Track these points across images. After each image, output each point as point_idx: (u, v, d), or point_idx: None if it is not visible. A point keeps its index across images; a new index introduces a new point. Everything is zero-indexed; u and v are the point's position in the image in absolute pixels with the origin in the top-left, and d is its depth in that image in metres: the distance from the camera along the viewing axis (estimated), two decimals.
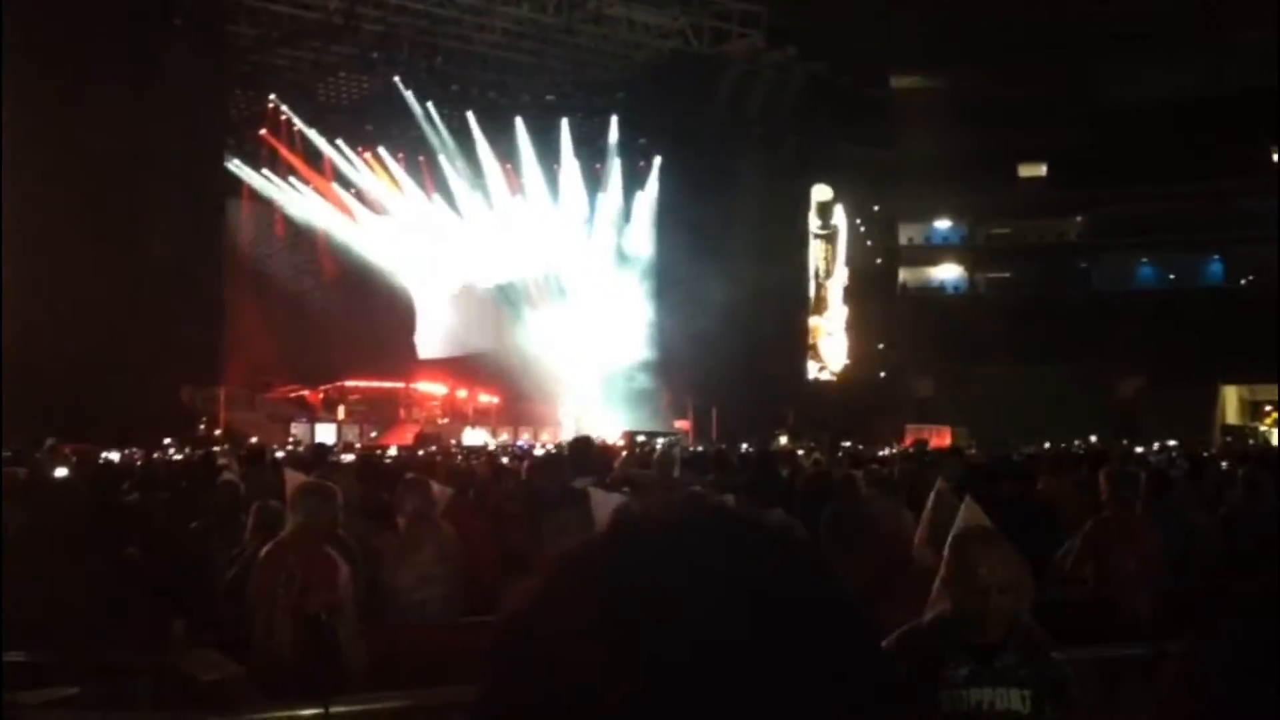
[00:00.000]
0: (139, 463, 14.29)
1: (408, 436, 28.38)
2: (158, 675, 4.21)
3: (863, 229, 40.03)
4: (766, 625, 0.76)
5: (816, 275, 38.99)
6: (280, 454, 15.03)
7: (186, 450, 17.90)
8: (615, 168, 37.26)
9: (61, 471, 10.00)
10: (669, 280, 33.48)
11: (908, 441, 25.27)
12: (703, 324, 29.97)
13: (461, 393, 34.67)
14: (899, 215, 42.14)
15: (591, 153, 37.30)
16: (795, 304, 37.09)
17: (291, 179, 34.77)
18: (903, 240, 43.47)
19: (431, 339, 36.56)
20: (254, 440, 23.62)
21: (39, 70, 25.66)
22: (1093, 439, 25.68)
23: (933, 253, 45.86)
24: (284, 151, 34.39)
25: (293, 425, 29.28)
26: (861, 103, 36.57)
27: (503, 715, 0.78)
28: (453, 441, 26.30)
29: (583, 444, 9.42)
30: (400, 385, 33.68)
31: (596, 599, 0.78)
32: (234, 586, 5.46)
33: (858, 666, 0.78)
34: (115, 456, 15.52)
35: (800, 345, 37.86)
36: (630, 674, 0.74)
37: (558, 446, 19.41)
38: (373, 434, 29.49)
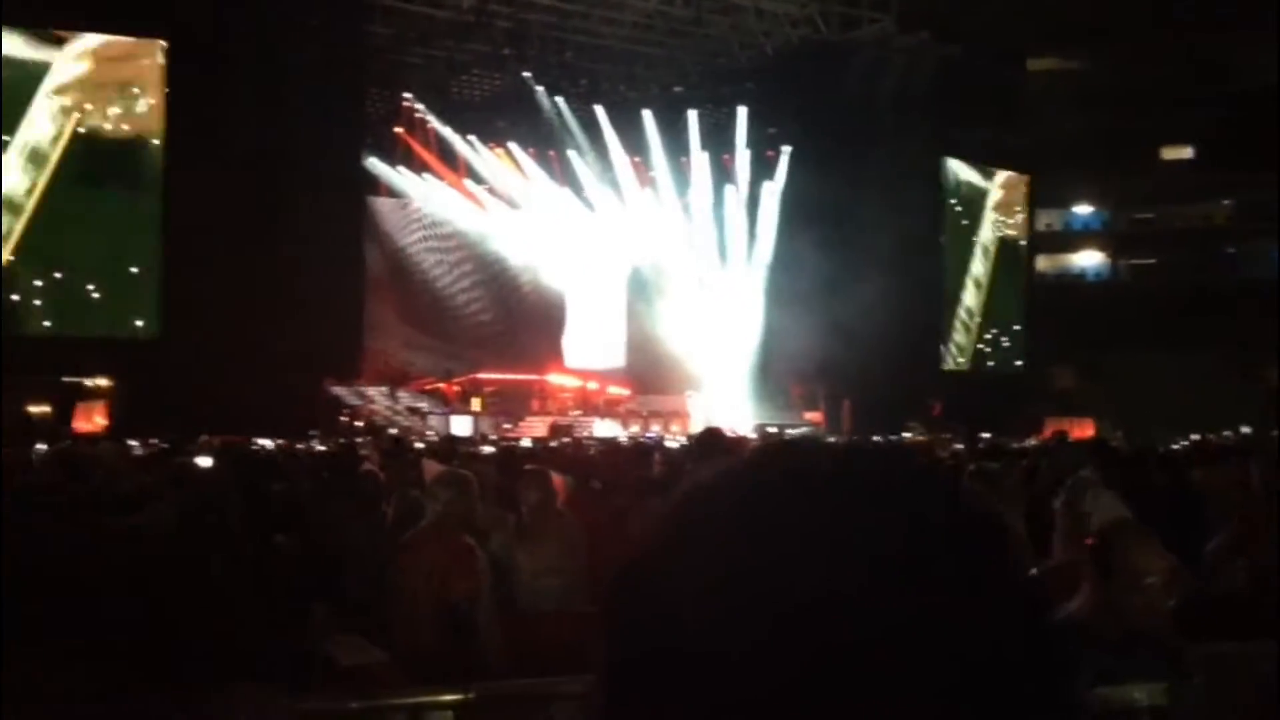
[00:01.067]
0: (284, 454, 14.73)
1: (541, 428, 28.76)
2: (303, 660, 4.34)
3: (999, 216, 39.17)
4: (934, 584, 0.65)
5: (952, 263, 38.29)
6: (419, 445, 15.34)
7: (330, 441, 18.39)
8: (744, 158, 37.10)
9: (207, 461, 10.39)
10: (799, 270, 33.18)
11: (1047, 433, 24.62)
12: (834, 314, 29.64)
13: (593, 385, 34.97)
14: (1037, 201, 41.08)
15: (720, 144, 37.19)
16: (930, 293, 36.42)
17: (426, 175, 35.46)
18: (1040, 227, 42.34)
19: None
20: (392, 431, 24.26)
21: (184, 72, 26.76)
22: (1244, 429, 24.68)
23: (1072, 239, 44.63)
24: (419, 148, 35.09)
25: (429, 417, 29.93)
26: (997, 87, 35.72)
27: (620, 666, 0.70)
28: (585, 433, 26.56)
29: (710, 436, 9.36)
30: (533, 378, 34.11)
31: (735, 533, 0.68)
32: (376, 574, 5.59)
33: (1037, 640, 0.67)
34: (269, 444, 16.01)
35: (935, 335, 37.20)
36: (769, 622, 0.64)
37: (688, 438, 19.41)
38: (506, 426, 29.93)
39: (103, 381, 26.12)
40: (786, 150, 36.19)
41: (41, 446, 12.82)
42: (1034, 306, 39.53)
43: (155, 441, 13.91)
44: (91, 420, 24.81)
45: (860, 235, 30.62)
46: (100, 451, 11.89)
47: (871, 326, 30.20)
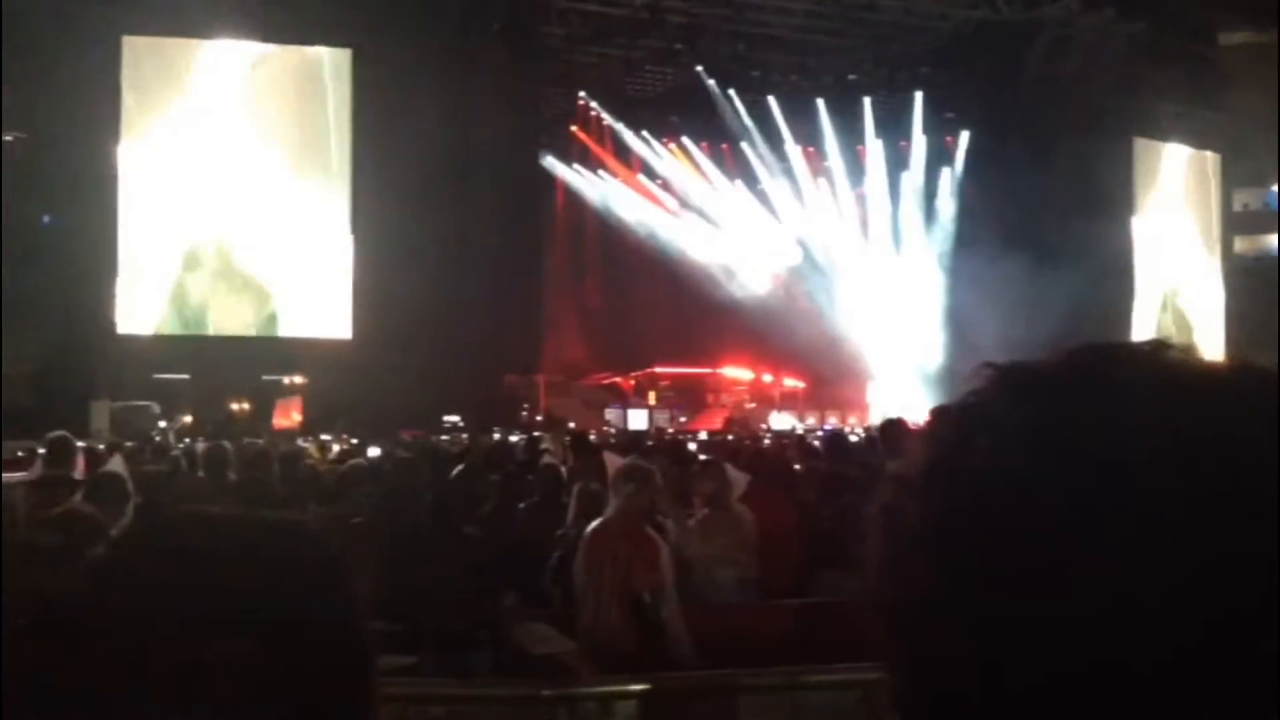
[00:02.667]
0: (468, 448, 15.13)
1: (716, 421, 28.81)
2: (495, 647, 4.46)
3: (1193, 197, 37.40)
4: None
5: (1143, 246, 36.74)
6: (596, 438, 15.56)
7: (514, 435, 18.81)
8: (920, 145, 36.37)
9: (398, 455, 10.79)
10: (979, 257, 32.33)
11: None
12: (1018, 300, 28.77)
13: (767, 377, 34.83)
14: (1233, 181, 39.00)
15: (895, 131, 36.53)
16: (1121, 277, 34.99)
17: (601, 172, 35.89)
18: (1236, 207, 40.18)
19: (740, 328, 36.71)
20: (571, 425, 24.65)
21: (369, 79, 27.77)
22: None
23: (1271, 219, 42.19)
24: (594, 146, 35.56)
25: (606, 411, 30.32)
26: (1188, 63, 34.05)
27: (890, 601, 0.68)
28: (760, 426, 26.48)
29: (895, 427, 9.22)
30: (708, 371, 34.18)
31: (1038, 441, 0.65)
32: (561, 565, 5.70)
33: None
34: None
35: (1125, 320, 35.73)
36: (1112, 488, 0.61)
37: (866, 430, 19.17)
38: (682, 419, 30.08)
39: (299, 380, 27.33)
40: (966, 135, 35.33)
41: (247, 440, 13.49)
42: (1231, 290, 37.60)
43: (348, 436, 14.48)
44: (289, 417, 25.97)
45: (1046, 219, 29.63)
46: (298, 447, 12.46)
47: (1058, 313, 29.15)
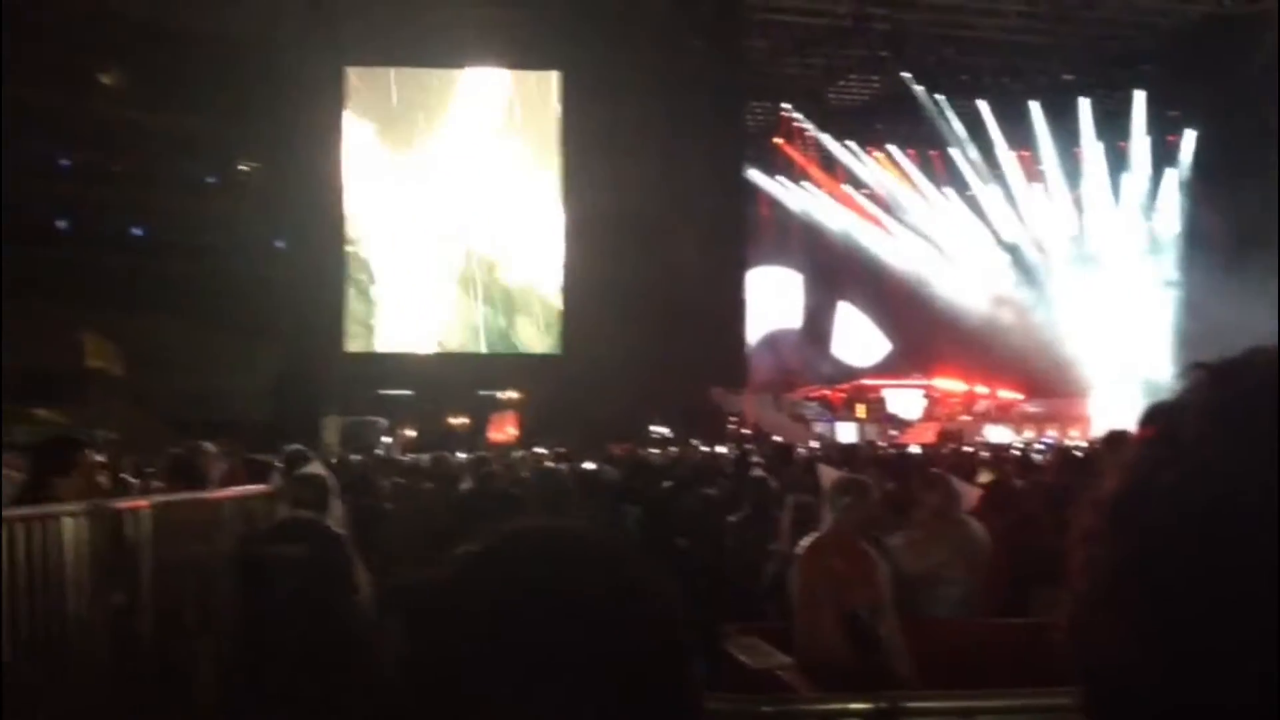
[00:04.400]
0: (677, 461, 15.20)
1: (929, 434, 28.12)
2: (712, 661, 4.46)
3: None
4: None
5: None
6: (806, 452, 15.40)
7: (720, 448, 18.81)
8: (1142, 145, 34.77)
9: (606, 470, 10.95)
10: (1205, 262, 30.68)
11: None
12: (1249, 306, 27.15)
13: (981, 389, 33.85)
14: None
15: (1114, 131, 35.05)
16: None
17: (805, 183, 35.67)
18: None
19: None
20: (778, 439, 24.50)
21: (579, 98, 28.40)
22: None
23: None
24: (797, 157, 35.37)
25: (815, 425, 30.04)
26: None
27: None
28: (977, 439, 25.74)
29: (1121, 439, 8.77)
30: (920, 383, 33.46)
31: None
32: (776, 580, 5.66)
33: None
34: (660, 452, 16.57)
35: None
36: None
37: (1090, 444, 18.39)
38: (893, 432, 29.53)
39: (514, 394, 28.10)
40: (1189, 135, 33.62)
41: (461, 455, 13.92)
42: None
43: (560, 450, 14.75)
44: (504, 430, 26.71)
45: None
46: (514, 460, 12.78)
47: None
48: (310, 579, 4.80)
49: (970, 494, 6.45)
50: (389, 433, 25.13)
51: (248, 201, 28.06)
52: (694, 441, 22.76)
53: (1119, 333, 33.72)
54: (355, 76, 29.72)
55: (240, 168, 29.12)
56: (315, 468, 6.11)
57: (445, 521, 7.19)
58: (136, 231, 28.06)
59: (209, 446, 6.75)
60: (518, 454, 15.50)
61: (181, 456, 6.40)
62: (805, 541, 5.13)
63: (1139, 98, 34.25)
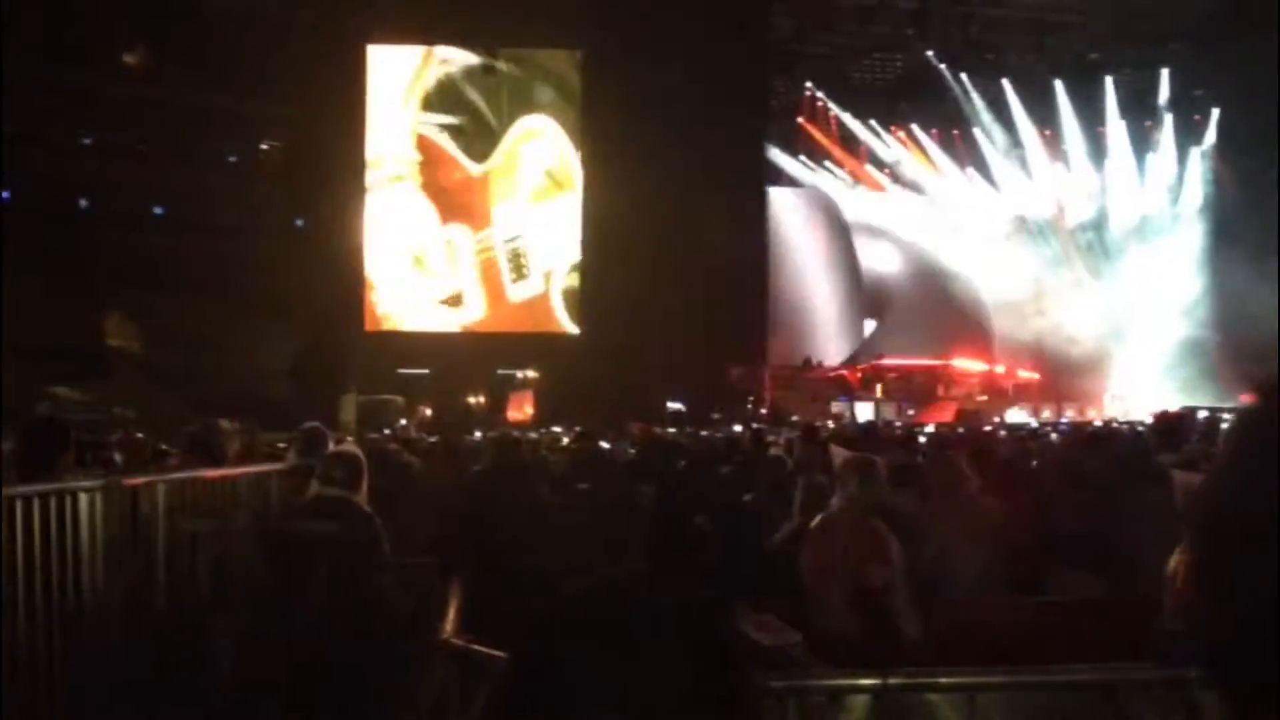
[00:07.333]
0: (695, 439, 15.20)
1: (946, 414, 28.06)
2: (726, 637, 4.47)
3: None
4: None
5: None
6: (823, 430, 15.36)
7: (737, 427, 18.82)
8: (1167, 124, 34.47)
9: (623, 447, 10.96)
10: (1229, 242, 30.46)
11: None
12: (1272, 286, 26.98)
13: (999, 369, 33.74)
14: None
15: (1139, 110, 34.76)
16: None
17: (827, 163, 35.52)
18: None
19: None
20: (795, 418, 24.50)
21: (601, 77, 28.32)
22: None
23: None
24: (820, 137, 35.22)
25: (833, 404, 30.01)
26: None
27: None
28: (995, 419, 25.68)
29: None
30: (938, 363, 33.36)
31: None
32: (787, 558, 5.66)
33: None
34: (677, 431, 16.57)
35: None
36: None
37: (1113, 423, 18.32)
38: (910, 412, 29.49)
39: (532, 374, 28.16)
40: (1215, 114, 33.33)
41: (479, 434, 13.97)
42: None
43: (578, 429, 14.77)
44: (522, 410, 26.79)
45: None
46: (533, 438, 12.81)
47: None
48: (341, 556, 4.84)
49: (976, 472, 6.41)
50: (407, 412, 25.22)
51: (269, 180, 28.10)
52: (715, 416, 22.82)
53: (1137, 311, 33.54)
54: (379, 54, 29.71)
55: (262, 146, 29.15)
56: (349, 446, 6.12)
57: (459, 502, 7.21)
58: (158, 210, 28.14)
59: (225, 424, 6.77)
60: (533, 434, 15.55)
61: (198, 434, 6.41)
62: (817, 520, 5.14)
63: (1164, 76, 33.95)
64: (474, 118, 29.78)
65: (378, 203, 29.63)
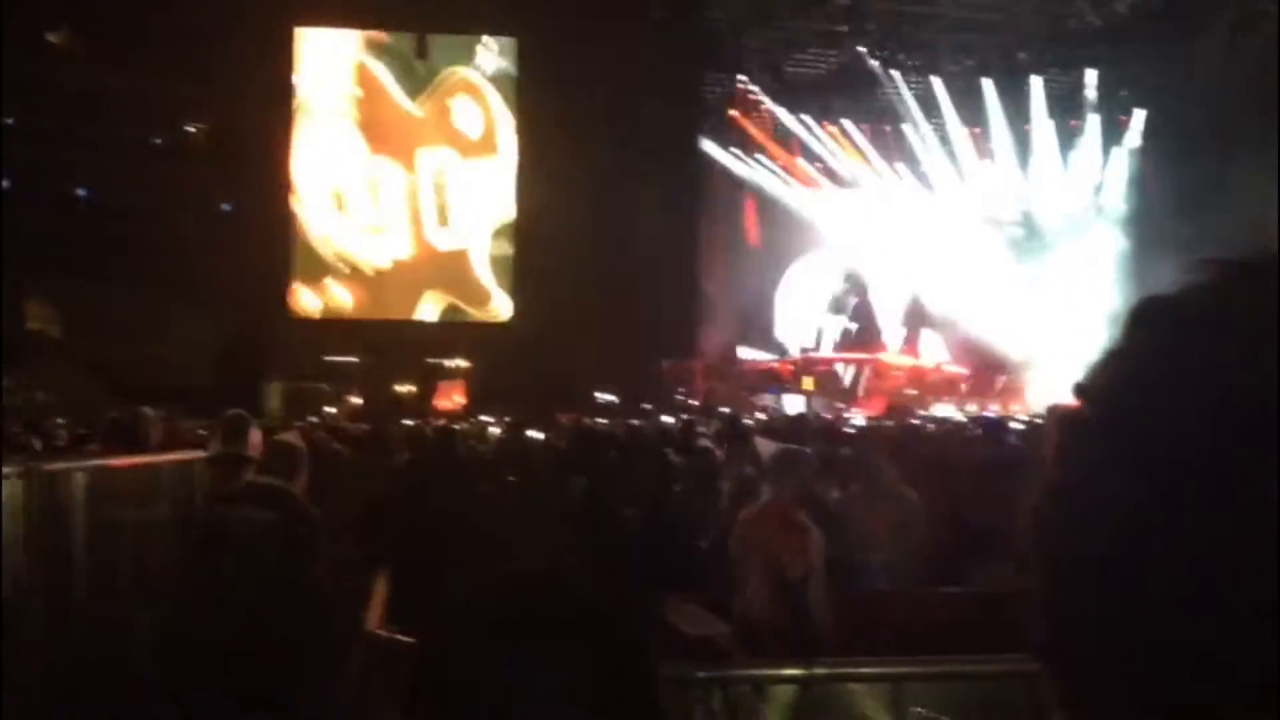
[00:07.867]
0: (625, 431, 15.24)
1: (876, 407, 28.41)
2: (653, 628, 4.51)
3: None
4: None
5: None
6: (751, 423, 15.51)
7: (667, 418, 18.90)
8: (1092, 123, 35.11)
9: (548, 439, 10.97)
10: (1151, 242, 31.13)
11: None
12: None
13: (928, 363, 34.17)
14: None
15: (1066, 110, 35.36)
16: None
17: (758, 156, 35.67)
18: None
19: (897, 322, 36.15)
20: (725, 410, 24.65)
21: (535, 63, 28.24)
22: None
23: None
24: (753, 130, 35.34)
25: (763, 395, 30.20)
26: None
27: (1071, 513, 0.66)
28: (920, 412, 26.02)
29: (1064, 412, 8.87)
30: (866, 357, 33.71)
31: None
32: (714, 549, 5.72)
33: None
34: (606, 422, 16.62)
35: None
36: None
37: (1029, 418, 18.66)
38: (839, 405, 29.76)
39: (462, 363, 28.01)
40: (1140, 114, 34.00)
41: (406, 422, 13.88)
42: None
43: (508, 420, 14.75)
44: (451, 399, 26.63)
45: (1229, 202, 28.29)
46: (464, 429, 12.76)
47: None
48: (274, 546, 4.77)
49: (895, 465, 6.53)
50: (333, 400, 24.97)
51: (194, 163, 27.64)
52: (645, 407, 22.88)
53: (1062, 311, 34.13)
54: (306, 37, 29.37)
55: (187, 129, 28.66)
56: (290, 436, 6.07)
57: (383, 492, 7.19)
58: (81, 193, 27.58)
59: (148, 411, 6.67)
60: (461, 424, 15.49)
61: (120, 420, 6.33)
62: (743, 513, 5.21)
63: (1091, 76, 34.55)
64: (403, 102, 29.65)
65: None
